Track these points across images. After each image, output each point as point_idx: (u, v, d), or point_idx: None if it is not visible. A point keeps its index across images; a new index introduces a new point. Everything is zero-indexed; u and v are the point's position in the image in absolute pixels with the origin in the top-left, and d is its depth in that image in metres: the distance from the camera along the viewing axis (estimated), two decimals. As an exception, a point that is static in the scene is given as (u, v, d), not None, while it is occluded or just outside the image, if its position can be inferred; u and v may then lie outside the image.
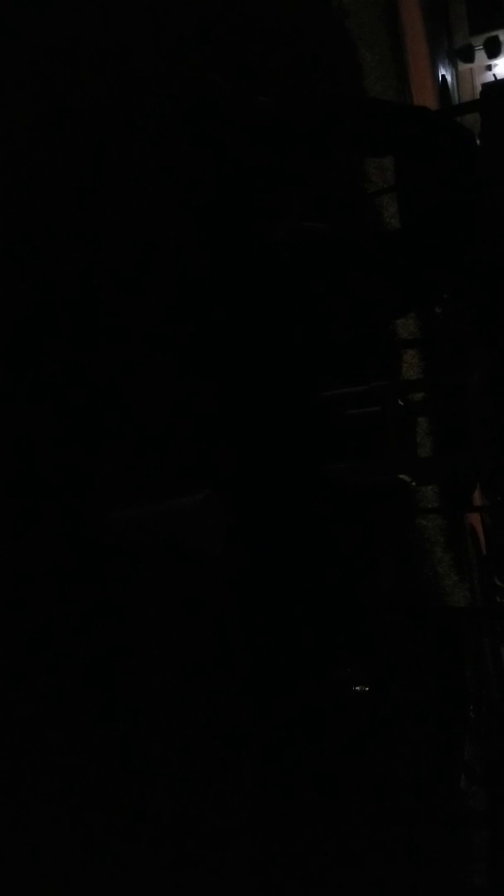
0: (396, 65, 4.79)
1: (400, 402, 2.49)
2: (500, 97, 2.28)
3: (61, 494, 1.31)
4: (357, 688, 2.46)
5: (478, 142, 2.12)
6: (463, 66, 11.07)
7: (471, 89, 10.59)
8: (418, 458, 2.88)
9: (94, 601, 1.34)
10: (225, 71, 1.99)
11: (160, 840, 1.42)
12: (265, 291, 2.15)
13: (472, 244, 2.04)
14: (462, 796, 3.62)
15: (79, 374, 1.40)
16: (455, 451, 3.02)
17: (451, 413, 2.75)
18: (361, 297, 2.39)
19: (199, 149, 1.91)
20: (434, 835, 3.10)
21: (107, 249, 1.53)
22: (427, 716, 3.27)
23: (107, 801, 1.30)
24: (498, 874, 3.60)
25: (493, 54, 10.71)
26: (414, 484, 2.63)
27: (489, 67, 10.93)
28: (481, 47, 10.75)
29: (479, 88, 2.40)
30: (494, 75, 10.43)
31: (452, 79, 10.63)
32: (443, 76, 9.34)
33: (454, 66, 10.89)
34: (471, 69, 11.08)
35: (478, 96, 2.33)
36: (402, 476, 2.48)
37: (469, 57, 10.98)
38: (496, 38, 10.53)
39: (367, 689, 2.49)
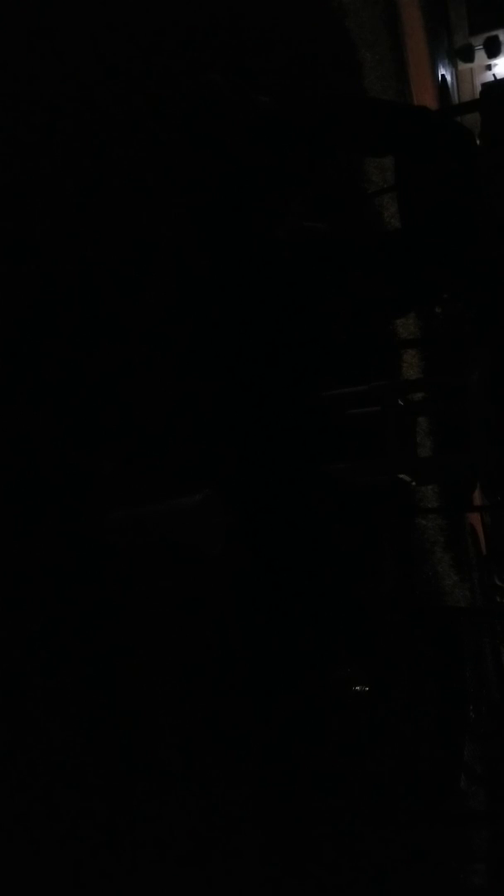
0: (396, 65, 4.79)
1: (400, 402, 2.49)
2: (500, 97, 2.28)
3: (61, 494, 1.31)
4: (357, 688, 2.46)
5: (478, 142, 2.12)
6: (463, 66, 11.07)
7: (471, 89, 10.59)
8: (418, 458, 2.88)
9: (94, 601, 1.34)
10: (225, 71, 1.99)
11: (160, 840, 1.42)
12: (265, 291, 2.15)
13: (472, 244, 2.04)
14: (462, 796, 3.63)
15: (79, 374, 1.40)
16: (455, 451, 3.02)
17: (451, 413, 2.75)
18: (361, 297, 2.39)
19: (200, 149, 1.91)
20: (434, 835, 3.10)
21: (107, 249, 1.53)
22: (427, 716, 3.27)
23: (107, 801, 1.30)
24: (498, 874, 3.60)
25: (493, 54, 10.71)
26: (414, 484, 2.63)
27: (489, 67, 10.93)
28: (481, 47, 10.76)
29: (479, 88, 2.40)
30: (494, 75, 10.44)
31: (452, 79, 10.64)
32: (443, 76, 9.34)
33: (454, 65, 10.90)
34: (471, 69, 11.08)
35: (478, 96, 2.34)
36: (402, 476, 2.48)
37: (469, 57, 10.98)
38: (496, 38, 10.54)
39: (367, 689, 2.49)
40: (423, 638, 3.43)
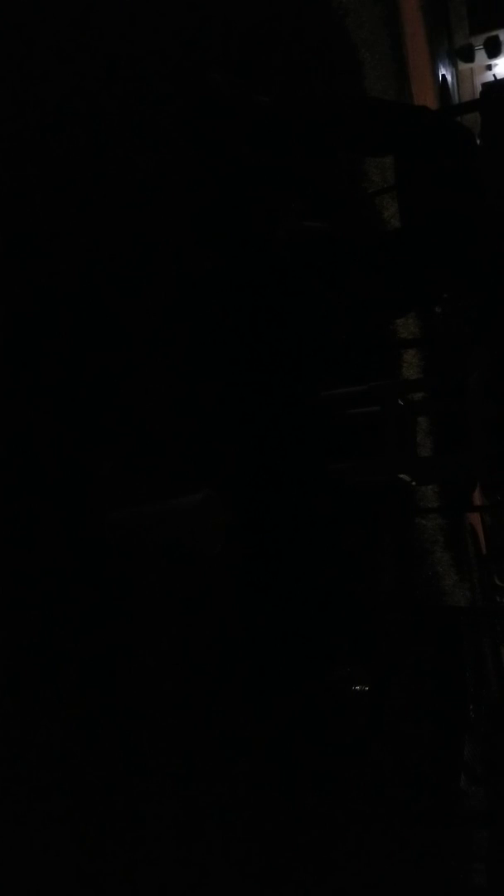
0: (396, 65, 4.79)
1: (400, 402, 2.49)
2: (500, 97, 2.28)
3: (61, 494, 1.31)
4: (357, 688, 2.47)
5: (478, 142, 2.12)
6: (463, 66, 11.08)
7: (471, 89, 10.61)
8: (418, 457, 2.88)
9: (95, 601, 1.34)
10: (225, 71, 1.99)
11: (160, 840, 1.42)
12: (265, 291, 2.15)
13: (472, 244, 2.04)
14: (462, 796, 3.63)
15: (79, 374, 1.40)
16: (455, 451, 3.02)
17: (451, 413, 2.75)
18: (361, 297, 2.39)
19: (199, 149, 1.91)
20: (434, 835, 3.11)
21: (107, 249, 1.53)
22: (427, 716, 3.28)
23: (107, 801, 1.30)
24: (498, 874, 3.61)
25: (493, 54, 10.73)
26: (414, 484, 2.63)
27: (489, 67, 10.95)
28: (481, 47, 10.77)
29: (479, 88, 2.40)
30: (494, 75, 10.45)
31: (452, 79, 10.64)
32: (443, 76, 9.35)
33: (454, 65, 10.90)
34: (471, 69, 11.09)
35: (478, 96, 2.34)
36: (402, 476, 2.49)
37: (469, 57, 10.99)
38: (496, 38, 10.55)
39: (367, 688, 2.49)
40: (423, 638, 3.43)
